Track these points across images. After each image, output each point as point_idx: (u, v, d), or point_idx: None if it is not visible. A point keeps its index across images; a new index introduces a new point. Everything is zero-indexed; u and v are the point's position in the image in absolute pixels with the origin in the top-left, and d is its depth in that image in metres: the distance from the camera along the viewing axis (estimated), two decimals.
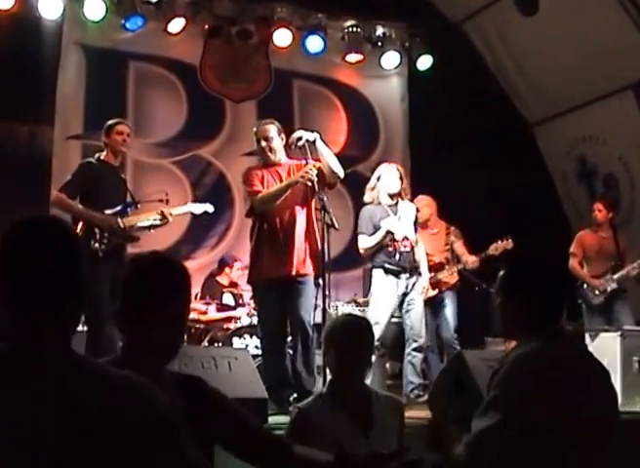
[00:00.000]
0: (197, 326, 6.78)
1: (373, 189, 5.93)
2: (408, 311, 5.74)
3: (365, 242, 5.80)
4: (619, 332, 5.47)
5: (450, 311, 6.65)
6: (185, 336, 3.00)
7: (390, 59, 8.72)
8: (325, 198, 4.85)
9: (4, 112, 6.89)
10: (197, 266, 7.51)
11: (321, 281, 4.86)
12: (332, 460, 1.90)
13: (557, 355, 2.36)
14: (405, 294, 5.74)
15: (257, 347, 6.11)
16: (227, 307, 7.12)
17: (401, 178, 5.89)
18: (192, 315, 6.33)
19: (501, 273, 2.56)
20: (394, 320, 5.98)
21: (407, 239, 5.78)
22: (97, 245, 5.13)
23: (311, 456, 2.01)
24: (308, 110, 8.62)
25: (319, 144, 5.01)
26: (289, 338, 5.26)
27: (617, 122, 8.21)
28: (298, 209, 5.03)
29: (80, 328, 5.35)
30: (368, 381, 2.99)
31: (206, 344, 6.45)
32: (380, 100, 9.00)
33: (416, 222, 5.98)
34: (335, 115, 8.82)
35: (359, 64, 8.70)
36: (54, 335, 1.48)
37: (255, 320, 6.45)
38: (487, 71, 9.06)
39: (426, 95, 8.47)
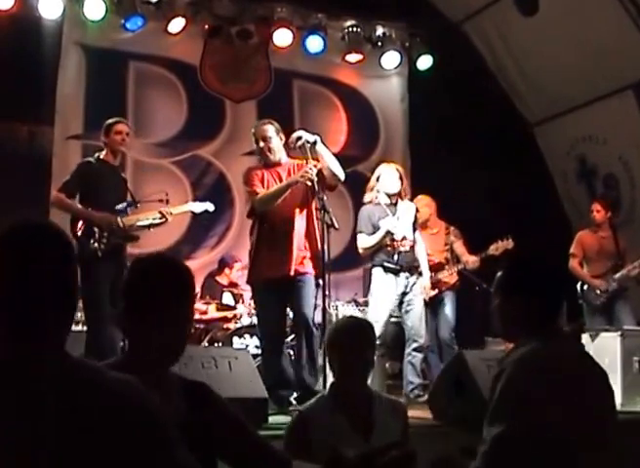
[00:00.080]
0: (197, 326, 6.78)
1: (372, 189, 5.93)
2: (408, 311, 5.74)
3: (364, 241, 5.80)
4: (619, 332, 5.47)
5: (449, 311, 6.65)
6: None
7: (390, 59, 8.72)
8: (325, 198, 4.85)
9: (4, 112, 6.89)
10: (197, 266, 7.51)
11: (321, 281, 4.86)
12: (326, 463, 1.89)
13: (558, 355, 2.36)
14: (404, 294, 5.74)
15: (257, 347, 6.11)
16: (227, 307, 7.12)
17: (401, 178, 5.89)
18: None
19: (499, 274, 2.56)
20: (394, 320, 5.98)
21: (406, 239, 5.78)
22: (96, 244, 5.13)
23: None
24: (308, 110, 8.63)
25: (319, 147, 5.01)
26: (288, 338, 5.25)
27: (617, 122, 8.21)
28: (297, 208, 5.03)
29: (80, 328, 5.38)
30: (368, 382, 2.98)
31: (206, 344, 6.45)
32: (380, 100, 9.00)
33: (415, 222, 5.98)
34: (335, 115, 8.83)
35: (359, 64, 8.71)
36: (53, 336, 1.48)
37: (255, 320, 6.45)
38: (487, 71, 9.06)
39: (426, 95, 8.47)
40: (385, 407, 2.90)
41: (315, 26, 8.30)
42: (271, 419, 4.22)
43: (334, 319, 6.29)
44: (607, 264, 6.82)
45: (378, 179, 5.92)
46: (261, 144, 5.12)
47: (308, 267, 4.98)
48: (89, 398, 1.42)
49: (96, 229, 5.17)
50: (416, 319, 5.73)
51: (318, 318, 4.97)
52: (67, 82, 7.54)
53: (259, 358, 5.20)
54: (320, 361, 4.72)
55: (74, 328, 5.42)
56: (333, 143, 8.53)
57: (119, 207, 5.34)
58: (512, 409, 2.22)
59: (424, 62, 8.60)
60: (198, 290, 7.19)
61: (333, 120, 8.79)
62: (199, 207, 5.97)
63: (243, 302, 7.16)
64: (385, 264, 5.74)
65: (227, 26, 8.08)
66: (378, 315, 5.55)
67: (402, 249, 5.75)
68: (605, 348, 5.24)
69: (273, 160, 5.12)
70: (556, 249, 6.81)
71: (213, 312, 6.99)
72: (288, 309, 5.23)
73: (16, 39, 6.95)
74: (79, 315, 5.36)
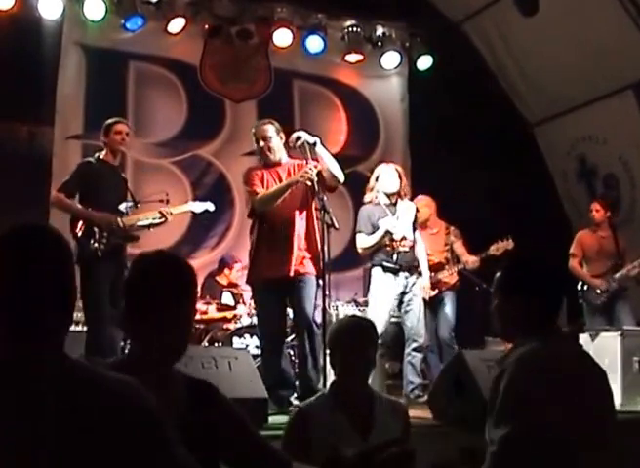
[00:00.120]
0: (197, 326, 6.77)
1: (372, 189, 5.93)
2: (407, 311, 5.74)
3: (363, 241, 5.80)
4: (619, 332, 5.47)
5: (449, 311, 6.66)
6: None
7: (390, 59, 8.72)
8: (325, 198, 4.85)
9: (4, 112, 6.88)
10: (197, 266, 7.49)
11: (321, 281, 4.86)
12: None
13: (557, 355, 2.36)
14: (404, 293, 5.74)
15: (257, 347, 6.11)
16: (227, 307, 7.12)
17: (400, 178, 5.89)
18: None
19: (498, 274, 2.55)
20: (394, 320, 5.98)
21: (405, 238, 5.78)
22: (96, 244, 5.13)
23: None
24: (308, 110, 8.62)
25: (319, 148, 5.00)
26: (288, 339, 5.25)
27: (617, 122, 8.21)
28: (298, 208, 5.03)
29: (80, 328, 5.38)
30: (368, 381, 2.99)
31: (206, 344, 6.45)
32: (380, 100, 9.00)
33: (415, 222, 5.98)
34: (335, 115, 8.83)
35: (359, 64, 8.71)
36: (52, 336, 1.49)
37: (255, 320, 6.45)
38: (487, 71, 9.06)
39: (426, 95, 8.47)
40: (386, 407, 2.90)
41: (315, 26, 8.30)
42: (271, 419, 4.22)
43: (334, 319, 6.29)
44: (607, 264, 6.82)
45: (377, 179, 5.92)
46: (262, 144, 5.12)
47: (309, 267, 4.97)
48: (89, 398, 1.43)
49: (95, 229, 5.16)
50: (415, 319, 5.73)
51: (318, 318, 4.97)
52: (67, 82, 7.53)
53: (259, 358, 5.19)
54: (321, 360, 4.72)
55: (74, 328, 5.44)
56: (333, 143, 8.54)
57: (122, 206, 5.34)
58: (517, 410, 2.22)
59: (424, 62, 8.60)
60: (198, 289, 7.17)
61: (333, 120, 8.80)
62: (199, 206, 5.97)
63: (243, 302, 7.16)
64: (385, 264, 5.74)
65: (227, 26, 8.08)
66: (377, 315, 5.54)
67: (401, 248, 5.75)
68: (605, 348, 5.24)
69: (273, 160, 5.12)
70: (556, 249, 6.81)
71: (213, 312, 6.98)
72: (288, 309, 5.24)
73: (16, 39, 6.95)
74: (79, 315, 5.36)
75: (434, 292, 6.59)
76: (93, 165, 5.39)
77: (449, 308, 6.66)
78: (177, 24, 7.75)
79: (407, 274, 5.75)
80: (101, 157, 5.41)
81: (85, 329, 5.23)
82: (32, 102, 7.12)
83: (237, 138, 8.15)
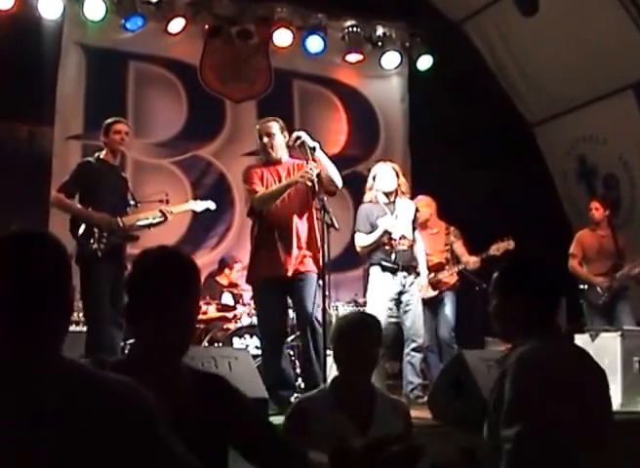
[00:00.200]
0: (197, 326, 6.77)
1: (371, 189, 5.93)
2: (406, 311, 5.73)
3: (361, 240, 5.80)
4: (619, 333, 5.46)
5: (449, 311, 6.65)
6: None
7: (390, 59, 8.72)
8: (325, 198, 4.84)
9: (4, 112, 6.88)
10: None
11: (321, 281, 4.86)
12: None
13: (557, 354, 2.36)
14: (402, 293, 5.73)
15: (257, 347, 6.11)
16: (227, 307, 7.12)
17: (397, 176, 5.89)
18: None
19: (496, 274, 2.55)
20: (393, 320, 5.97)
21: (404, 237, 5.78)
22: (95, 245, 5.12)
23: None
24: (308, 110, 8.62)
25: (318, 153, 4.99)
26: (288, 339, 5.24)
27: (617, 122, 8.21)
28: (298, 208, 5.03)
29: (80, 328, 5.38)
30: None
31: (206, 344, 6.44)
32: (380, 100, 9.00)
33: (414, 221, 5.97)
34: (335, 115, 8.83)
35: (359, 64, 8.71)
36: (52, 336, 1.49)
37: (255, 320, 6.44)
38: (487, 71, 9.06)
39: (426, 95, 8.48)
40: (387, 405, 2.90)
41: (315, 26, 8.30)
42: (271, 420, 4.21)
43: (334, 319, 6.29)
44: (607, 264, 6.82)
45: (374, 179, 5.93)
46: (265, 140, 5.11)
47: (309, 265, 4.97)
48: (88, 398, 1.43)
49: (95, 229, 5.16)
50: (414, 319, 5.72)
51: (320, 316, 4.96)
52: (67, 82, 7.53)
53: (258, 358, 5.19)
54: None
55: (74, 328, 5.44)
56: (333, 143, 8.55)
57: (129, 204, 5.36)
58: (526, 408, 2.22)
59: (424, 62, 8.60)
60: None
61: (333, 120, 8.80)
62: (200, 205, 5.96)
63: (243, 303, 7.16)
64: (383, 263, 5.73)
65: (227, 26, 8.08)
66: (375, 314, 5.53)
67: (400, 247, 5.74)
68: (605, 348, 5.24)
69: (275, 157, 5.12)
70: (556, 249, 6.81)
71: (213, 312, 6.98)
72: (289, 310, 5.24)
73: (16, 39, 6.95)
74: (80, 315, 5.36)
75: (434, 293, 6.59)
76: (92, 165, 5.39)
77: (449, 308, 6.66)
78: (177, 24, 7.75)
79: (405, 273, 5.74)
80: (101, 157, 5.41)
81: (85, 329, 5.23)
82: (32, 102, 7.12)
83: (237, 139, 8.15)
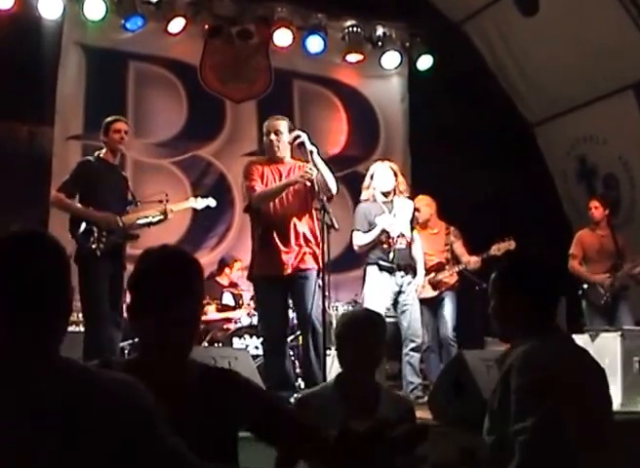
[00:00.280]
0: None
1: (368, 188, 5.93)
2: (404, 311, 5.72)
3: (359, 239, 5.79)
4: (619, 333, 5.46)
5: (449, 311, 6.65)
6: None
7: (390, 59, 8.72)
8: (325, 198, 4.85)
9: (4, 112, 6.88)
10: None
11: (321, 281, 4.86)
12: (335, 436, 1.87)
13: (558, 353, 2.36)
14: (399, 293, 5.72)
15: (257, 347, 6.11)
16: (227, 307, 7.12)
17: (395, 175, 5.89)
18: None
19: (494, 275, 2.55)
20: (390, 320, 5.96)
21: (403, 236, 5.77)
22: (95, 244, 5.12)
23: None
24: (308, 110, 8.62)
25: (316, 157, 4.99)
26: (289, 338, 5.23)
27: (617, 122, 8.21)
28: (298, 208, 5.03)
29: (80, 328, 5.38)
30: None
31: (206, 344, 6.45)
32: (380, 100, 9.00)
33: (412, 220, 5.97)
34: (335, 115, 8.82)
35: (359, 64, 8.70)
36: (51, 337, 1.49)
37: (255, 320, 6.44)
38: (487, 71, 9.06)
39: (426, 95, 8.47)
40: (391, 402, 2.90)
41: (315, 26, 8.30)
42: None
43: (333, 320, 6.29)
44: (607, 264, 6.81)
45: (372, 178, 5.93)
46: (272, 137, 5.09)
47: (310, 263, 4.96)
48: (87, 398, 1.43)
49: (95, 229, 5.16)
50: (412, 319, 5.71)
51: (319, 317, 4.96)
52: (67, 82, 7.53)
53: (258, 358, 5.19)
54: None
55: (73, 328, 5.44)
56: (333, 143, 8.55)
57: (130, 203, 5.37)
58: (540, 401, 2.22)
59: (425, 62, 8.60)
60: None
61: (333, 120, 8.79)
62: (201, 203, 5.95)
63: (243, 303, 7.16)
64: (381, 263, 5.72)
65: (227, 26, 8.08)
66: None
67: (398, 246, 5.73)
68: (605, 348, 5.23)
69: (279, 156, 5.11)
70: (556, 249, 6.81)
71: (213, 312, 6.99)
72: (289, 310, 5.24)
73: (16, 39, 6.95)
74: (78, 315, 5.35)
75: (435, 293, 6.59)
76: (92, 164, 5.38)
77: (449, 308, 6.66)
78: (177, 24, 7.75)
79: (402, 273, 5.73)
80: (101, 156, 5.41)
81: (83, 329, 5.22)
82: (32, 102, 7.12)
83: (237, 139, 8.15)
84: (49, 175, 6.98)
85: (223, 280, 7.42)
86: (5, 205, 6.44)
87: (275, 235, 4.96)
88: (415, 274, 5.84)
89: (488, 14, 8.61)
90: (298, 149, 5.02)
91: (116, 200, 5.36)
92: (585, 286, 6.82)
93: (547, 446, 2.20)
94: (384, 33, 8.61)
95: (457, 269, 6.69)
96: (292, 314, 5.40)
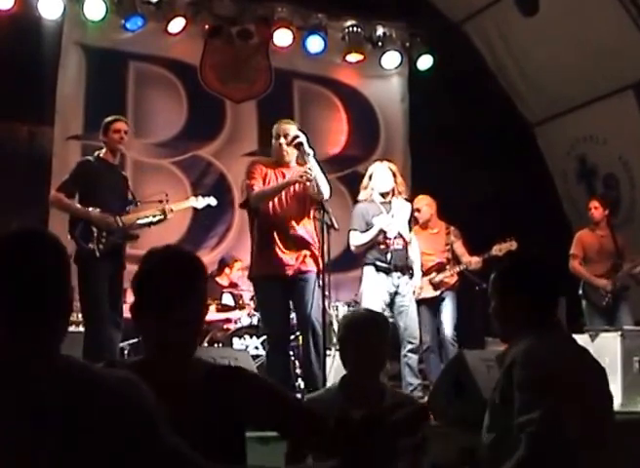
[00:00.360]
0: None
1: (366, 188, 5.93)
2: (401, 312, 5.70)
3: (356, 239, 5.78)
4: (619, 332, 5.47)
5: (449, 311, 6.65)
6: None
7: (391, 59, 8.72)
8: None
9: (4, 112, 6.88)
10: None
11: (321, 281, 4.86)
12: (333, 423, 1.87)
13: (560, 351, 2.37)
14: (396, 294, 5.71)
15: (257, 348, 6.11)
16: (227, 308, 7.11)
17: (394, 176, 5.88)
18: None
19: (493, 276, 2.55)
20: (390, 320, 5.95)
21: (400, 237, 5.76)
22: (94, 244, 5.12)
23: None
24: (308, 110, 8.62)
25: (311, 161, 4.98)
26: (291, 338, 5.23)
27: (617, 122, 8.21)
28: (297, 208, 5.02)
29: (80, 328, 5.38)
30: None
31: (206, 345, 6.44)
32: (380, 100, 9.00)
33: (410, 221, 5.96)
34: (335, 115, 8.82)
35: (359, 64, 8.70)
36: (52, 336, 1.49)
37: (255, 320, 6.45)
38: (487, 71, 9.06)
39: (426, 95, 8.47)
40: (397, 402, 2.89)
41: (315, 26, 8.30)
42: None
43: (333, 320, 6.29)
44: (607, 264, 6.82)
45: (370, 178, 5.92)
46: (282, 140, 5.07)
47: (310, 265, 4.96)
48: (88, 398, 1.43)
49: (94, 229, 5.16)
50: (409, 320, 5.70)
51: (319, 318, 4.96)
52: (67, 82, 7.53)
53: (258, 358, 5.19)
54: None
55: (73, 328, 5.43)
56: (333, 143, 8.56)
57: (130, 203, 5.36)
58: (540, 397, 2.23)
59: (425, 62, 8.60)
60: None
61: (333, 120, 8.79)
62: (201, 202, 5.94)
63: (243, 303, 7.16)
64: (378, 263, 5.70)
65: (228, 26, 8.08)
66: None
67: (396, 246, 5.72)
68: (605, 348, 5.23)
69: (286, 160, 5.09)
70: (556, 249, 6.81)
71: (213, 313, 6.98)
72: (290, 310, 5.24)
73: (16, 39, 6.95)
74: (78, 316, 5.35)
75: (435, 293, 6.59)
76: (92, 163, 5.38)
77: (450, 308, 6.66)
78: (177, 24, 7.75)
79: (399, 274, 5.72)
80: (101, 156, 5.41)
81: (83, 329, 5.22)
82: (32, 102, 7.12)
83: (237, 139, 8.15)
84: (49, 175, 6.97)
85: (223, 280, 7.41)
86: (5, 205, 6.44)
87: (275, 237, 4.96)
88: (411, 275, 5.83)
89: (488, 14, 8.61)
90: (295, 148, 5.01)
91: (116, 200, 5.36)
92: (586, 286, 6.82)
93: (552, 439, 2.20)
94: (384, 33, 8.61)
95: (457, 269, 6.69)
96: (292, 315, 5.39)
